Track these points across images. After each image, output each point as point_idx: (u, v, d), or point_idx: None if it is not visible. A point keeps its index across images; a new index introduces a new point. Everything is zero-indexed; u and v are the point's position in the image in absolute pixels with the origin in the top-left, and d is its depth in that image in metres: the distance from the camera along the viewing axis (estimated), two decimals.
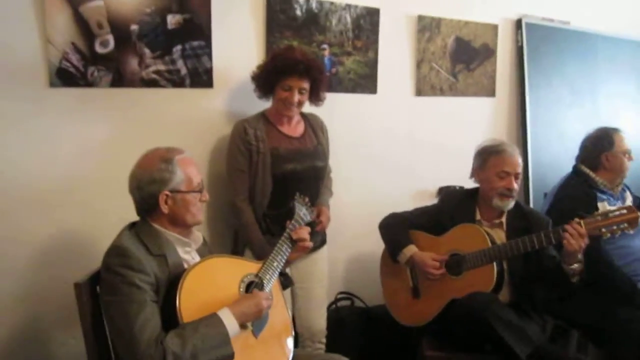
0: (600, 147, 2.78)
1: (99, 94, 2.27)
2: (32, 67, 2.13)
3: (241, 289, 1.79)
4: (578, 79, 3.84)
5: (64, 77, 2.18)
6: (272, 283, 1.89)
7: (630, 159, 2.79)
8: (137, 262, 1.61)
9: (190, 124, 2.49)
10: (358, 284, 3.08)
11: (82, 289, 1.69)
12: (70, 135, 2.23)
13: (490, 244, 2.31)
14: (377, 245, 2.65)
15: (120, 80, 2.31)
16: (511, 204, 2.41)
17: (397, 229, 2.56)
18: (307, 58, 2.37)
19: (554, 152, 3.65)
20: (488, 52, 3.43)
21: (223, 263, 1.84)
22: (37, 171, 2.18)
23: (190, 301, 1.63)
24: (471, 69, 3.37)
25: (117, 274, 1.60)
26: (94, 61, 2.24)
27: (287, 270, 2.08)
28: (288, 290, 2.44)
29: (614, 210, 2.14)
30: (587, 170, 2.82)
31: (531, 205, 3.50)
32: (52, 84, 2.17)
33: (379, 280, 2.69)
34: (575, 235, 2.14)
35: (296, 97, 2.36)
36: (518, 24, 3.54)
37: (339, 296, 2.99)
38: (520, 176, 2.42)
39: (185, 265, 1.77)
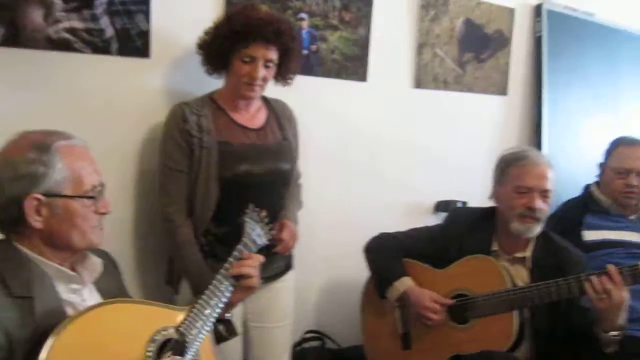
0: (604, 156, 2.41)
1: None
2: None
3: (148, 353, 1.18)
4: (600, 80, 3.32)
5: None
6: (200, 340, 1.28)
7: (625, 180, 2.24)
8: None
9: (116, 104, 1.87)
10: (331, 320, 2.51)
11: None
12: None
13: (510, 285, 1.77)
14: (357, 271, 2.15)
15: (15, 37, 1.68)
16: (536, 228, 1.88)
17: (388, 255, 2.05)
18: (276, 19, 1.79)
19: (571, 167, 3.09)
20: (502, 41, 2.86)
21: (128, 311, 1.24)
22: None
23: None
24: (482, 60, 2.80)
25: None
26: None
27: (230, 314, 1.47)
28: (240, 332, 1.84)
29: None
30: (593, 187, 2.40)
31: None
32: None
33: (358, 315, 2.17)
34: (600, 289, 1.62)
35: (261, 72, 1.76)
36: (537, 10, 2.98)
37: (307, 335, 2.42)
38: (550, 194, 1.88)
39: (69, 312, 1.18)
